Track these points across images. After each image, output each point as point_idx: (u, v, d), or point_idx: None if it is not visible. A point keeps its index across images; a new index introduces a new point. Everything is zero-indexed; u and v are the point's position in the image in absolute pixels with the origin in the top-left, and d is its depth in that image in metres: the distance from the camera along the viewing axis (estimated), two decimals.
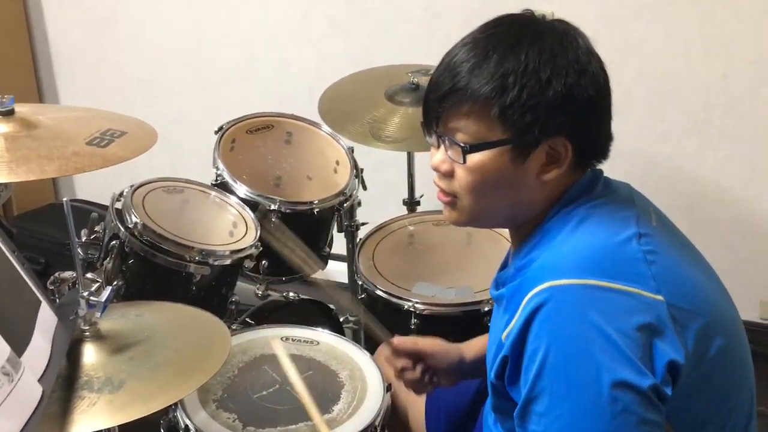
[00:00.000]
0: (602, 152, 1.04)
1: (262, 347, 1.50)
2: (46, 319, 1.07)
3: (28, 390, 0.93)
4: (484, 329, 1.57)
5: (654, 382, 0.89)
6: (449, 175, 1.03)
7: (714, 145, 2.18)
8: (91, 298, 1.11)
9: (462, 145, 0.99)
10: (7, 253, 1.05)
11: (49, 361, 1.02)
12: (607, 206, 1.02)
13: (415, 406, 1.47)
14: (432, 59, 2.01)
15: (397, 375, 1.33)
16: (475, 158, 0.99)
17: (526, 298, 0.94)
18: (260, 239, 1.66)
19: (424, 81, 1.91)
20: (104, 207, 2.28)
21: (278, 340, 1.40)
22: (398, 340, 1.33)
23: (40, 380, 0.97)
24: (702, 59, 2.11)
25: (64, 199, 1.07)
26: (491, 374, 1.02)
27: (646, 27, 2.13)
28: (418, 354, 1.32)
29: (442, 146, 1.03)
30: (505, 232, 1.82)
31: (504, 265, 1.16)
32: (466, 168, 1.00)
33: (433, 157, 1.05)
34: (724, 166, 2.19)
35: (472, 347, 1.35)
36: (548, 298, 0.92)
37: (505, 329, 0.98)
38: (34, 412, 0.92)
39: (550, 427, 0.92)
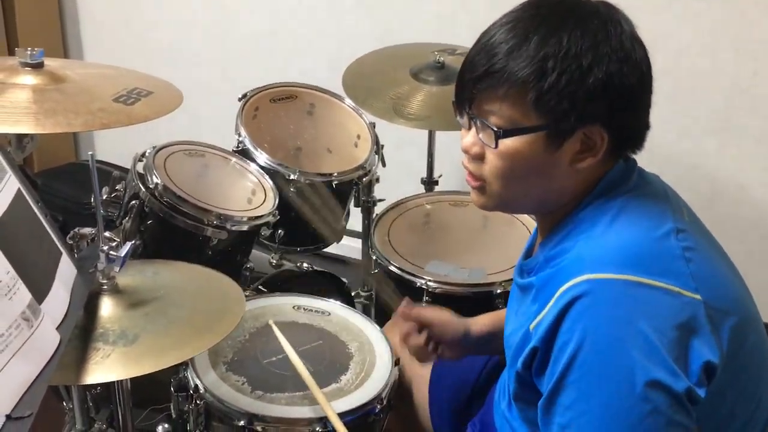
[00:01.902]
0: (638, 142, 1.01)
1: (275, 314, 1.51)
2: (66, 270, 1.09)
3: (47, 336, 0.95)
4: (494, 311, 1.59)
5: (688, 384, 0.88)
6: (479, 158, 1.01)
7: (735, 144, 2.17)
8: (111, 252, 1.13)
9: (495, 129, 0.96)
10: (32, 203, 1.06)
11: (68, 310, 1.03)
12: (643, 199, 0.99)
13: (420, 382, 1.47)
14: (456, 40, 2.03)
15: (402, 339, 1.33)
16: (507, 143, 0.96)
17: (562, 290, 0.92)
18: (279, 207, 1.67)
19: (449, 60, 1.91)
20: (123, 169, 2.31)
21: (275, 326, 1.40)
22: (404, 309, 1.32)
23: (58, 328, 0.98)
24: (729, 57, 2.09)
25: (90, 152, 1.08)
26: (518, 364, 1.00)
27: (675, 21, 2.11)
28: (423, 322, 1.31)
29: (474, 128, 1.00)
30: (522, 216, 1.83)
31: (528, 253, 1.14)
32: (498, 153, 0.97)
33: (464, 139, 1.02)
34: (744, 166, 2.18)
35: (479, 323, 1.34)
36: (586, 291, 0.90)
37: (534, 319, 0.96)
38: (51, 358, 0.94)
39: (575, 420, 0.90)
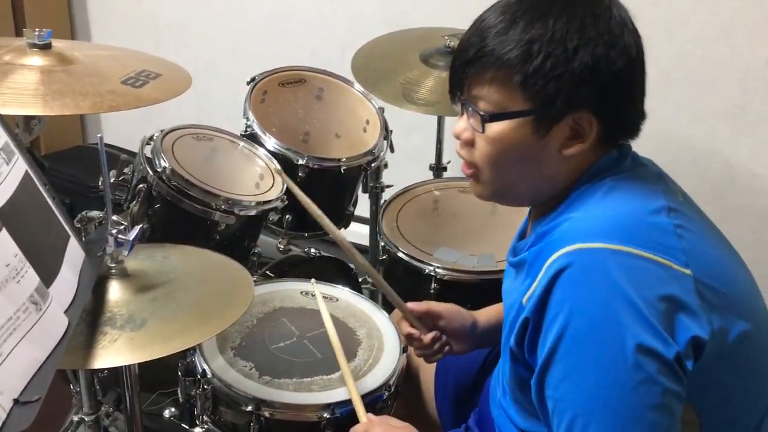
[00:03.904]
0: (632, 130, 1.01)
1: (282, 300, 1.51)
2: (73, 253, 1.08)
3: (55, 320, 0.94)
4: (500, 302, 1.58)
5: (677, 350, 0.87)
6: (470, 144, 1.02)
7: (750, 132, 2.14)
8: (119, 236, 1.12)
9: (482, 113, 0.97)
10: (39, 186, 1.05)
11: (76, 294, 1.02)
12: (636, 179, 0.99)
13: (427, 370, 1.47)
14: (466, 25, 1.99)
15: (406, 340, 1.33)
16: (495, 128, 0.97)
17: (550, 260, 0.92)
18: (287, 192, 1.66)
19: None
20: (130, 152, 2.30)
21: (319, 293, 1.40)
22: (412, 305, 1.32)
23: (66, 312, 0.97)
24: (745, 43, 2.06)
25: (99, 135, 1.07)
26: (511, 339, 1.00)
27: (691, 6, 2.08)
28: (431, 315, 1.30)
29: (465, 114, 1.01)
30: None
31: (522, 235, 1.14)
32: (486, 137, 0.98)
33: (456, 125, 1.03)
34: (758, 154, 2.15)
35: (486, 314, 1.34)
36: (573, 261, 0.89)
37: (526, 292, 0.96)
38: (59, 342, 0.93)
39: (570, 394, 0.90)
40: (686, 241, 0.93)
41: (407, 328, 1.31)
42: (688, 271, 0.91)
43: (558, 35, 0.93)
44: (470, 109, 0.99)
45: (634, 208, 0.95)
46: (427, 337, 1.29)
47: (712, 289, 0.92)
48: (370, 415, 1.20)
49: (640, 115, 1.01)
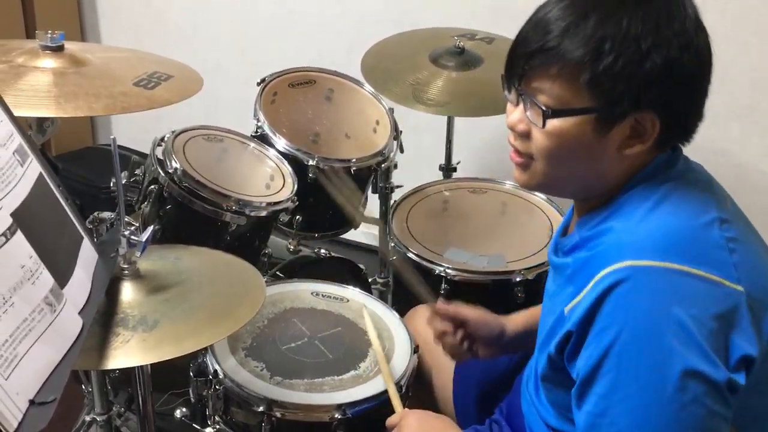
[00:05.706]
0: (690, 133, 0.98)
1: (293, 300, 1.51)
2: (87, 255, 1.08)
3: (69, 321, 0.94)
4: (513, 299, 1.58)
5: (728, 375, 0.86)
6: (525, 135, 0.98)
7: (759, 131, 2.14)
8: (132, 237, 1.12)
9: (544, 108, 0.93)
10: (53, 187, 1.06)
11: (89, 295, 1.03)
12: (688, 187, 0.97)
13: (441, 371, 1.46)
14: (476, 25, 2.00)
15: (437, 337, 1.33)
16: (554, 123, 0.94)
17: (601, 274, 0.90)
18: (297, 193, 1.66)
19: (469, 45, 1.89)
20: (139, 153, 2.31)
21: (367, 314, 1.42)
22: (441, 305, 1.32)
23: (80, 313, 0.98)
24: (755, 41, 2.06)
25: (112, 137, 1.07)
26: (551, 347, 0.98)
27: (700, 4, 2.07)
28: (460, 320, 1.31)
29: (521, 105, 0.98)
30: (542, 204, 1.82)
31: (564, 231, 1.11)
32: (545, 132, 0.95)
33: (510, 115, 1.00)
34: (767, 153, 2.15)
35: (515, 322, 1.33)
36: (626, 278, 0.88)
37: (569, 302, 0.94)
38: (74, 343, 0.93)
39: (610, 410, 0.88)
40: (738, 255, 0.91)
41: (440, 325, 1.32)
42: (739, 288, 0.89)
43: (632, 34, 0.89)
44: (528, 101, 0.96)
45: (686, 221, 0.92)
46: (458, 336, 1.31)
47: (762, 303, 0.91)
48: (406, 409, 1.21)
49: (699, 118, 0.98)
